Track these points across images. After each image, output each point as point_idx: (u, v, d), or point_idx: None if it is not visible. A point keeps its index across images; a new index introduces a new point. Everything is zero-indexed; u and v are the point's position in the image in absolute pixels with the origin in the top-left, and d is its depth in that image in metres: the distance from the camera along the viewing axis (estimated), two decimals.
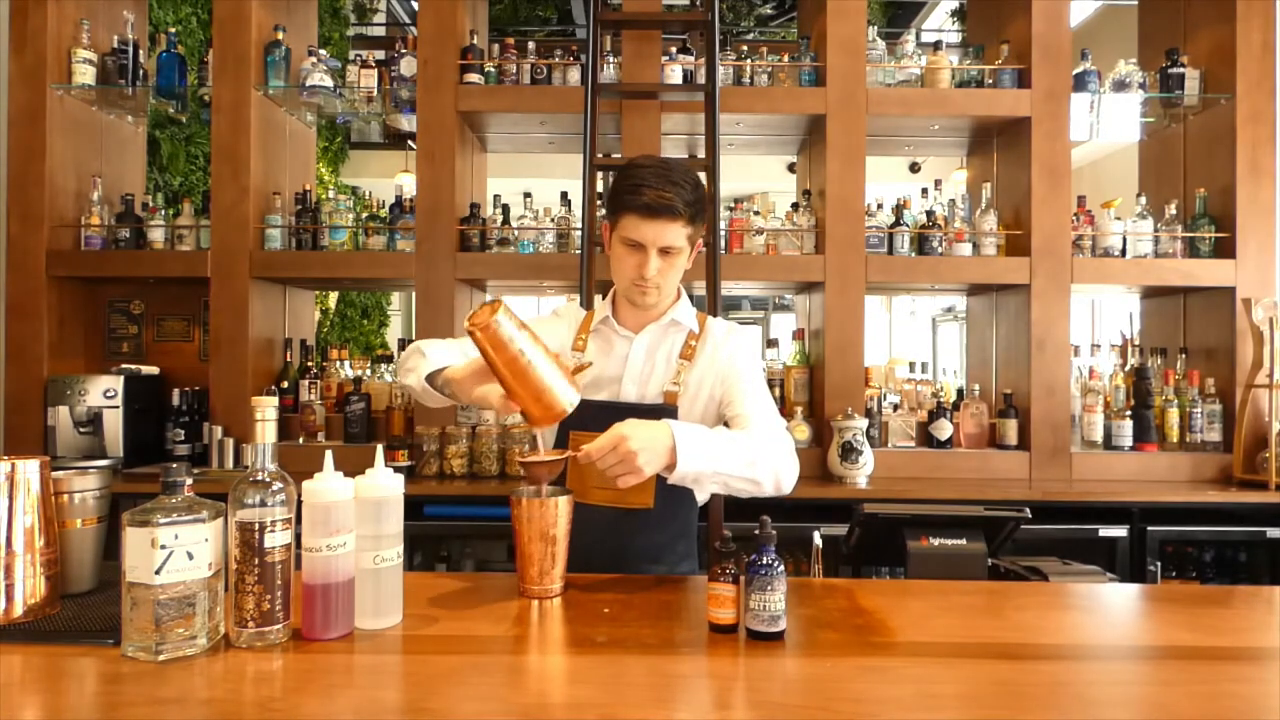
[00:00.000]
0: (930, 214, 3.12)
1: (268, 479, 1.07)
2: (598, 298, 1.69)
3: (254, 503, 1.06)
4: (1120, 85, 3.12)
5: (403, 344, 3.38)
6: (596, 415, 1.49)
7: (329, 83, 3.08)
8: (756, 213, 3.17)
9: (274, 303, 3.23)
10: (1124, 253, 3.09)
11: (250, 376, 3.00)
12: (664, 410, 1.52)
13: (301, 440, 3.04)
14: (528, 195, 3.29)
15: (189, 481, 1.08)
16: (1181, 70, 3.10)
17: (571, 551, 1.34)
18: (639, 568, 1.53)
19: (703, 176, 2.89)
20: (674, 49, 3.21)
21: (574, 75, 3.09)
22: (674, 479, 1.31)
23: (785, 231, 3.12)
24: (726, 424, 1.54)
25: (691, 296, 3.48)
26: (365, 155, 7.69)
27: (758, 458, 1.37)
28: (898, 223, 3.11)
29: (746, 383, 1.54)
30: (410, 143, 6.22)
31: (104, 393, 2.90)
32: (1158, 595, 1.50)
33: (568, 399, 1.30)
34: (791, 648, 1.09)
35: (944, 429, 3.02)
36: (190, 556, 1.03)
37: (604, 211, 1.60)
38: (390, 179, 6.65)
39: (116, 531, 1.07)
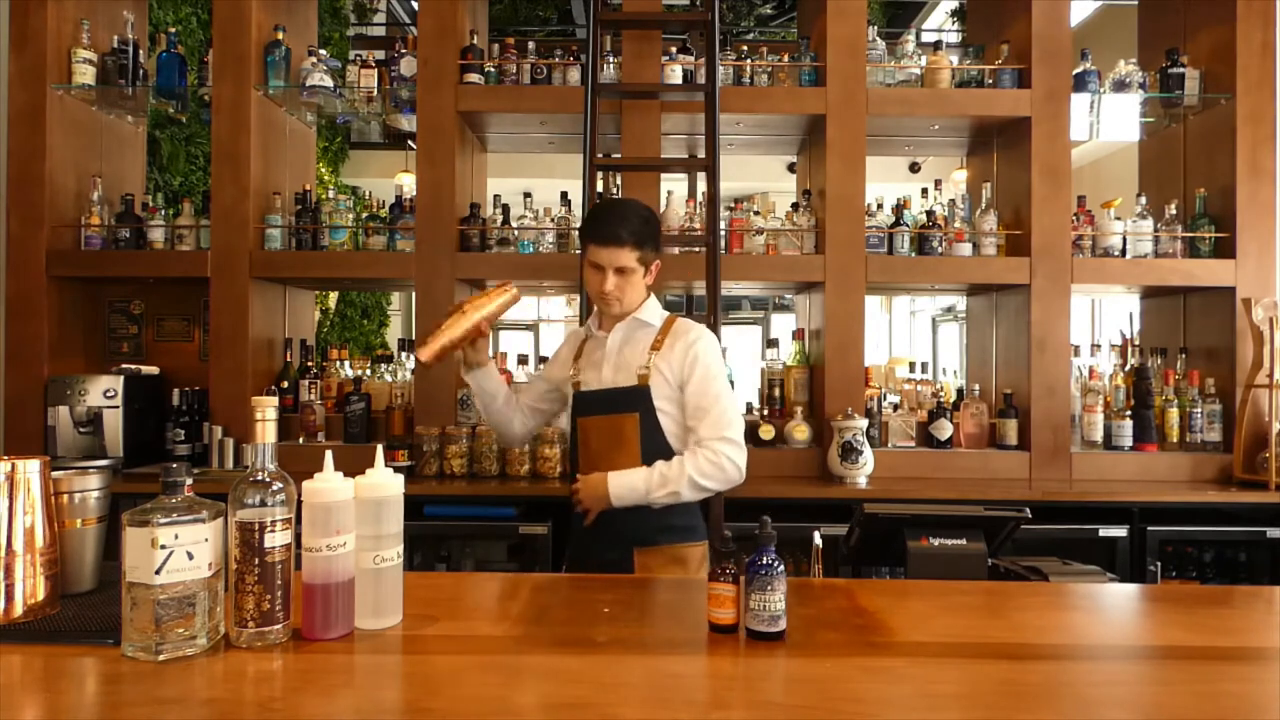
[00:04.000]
0: (930, 214, 3.12)
1: (268, 479, 1.07)
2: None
3: (254, 503, 1.06)
4: (1120, 85, 3.12)
5: (403, 344, 3.37)
6: (590, 401, 1.91)
7: (329, 83, 3.08)
8: (756, 213, 3.17)
9: (274, 303, 3.23)
10: (1124, 253, 3.09)
11: (250, 376, 3.00)
12: (637, 392, 1.86)
13: (301, 440, 3.04)
14: (528, 195, 3.29)
15: (189, 481, 1.08)
16: (1181, 70, 3.09)
17: (593, 549, 1.84)
18: (654, 539, 1.85)
19: (702, 177, 2.89)
20: (674, 49, 3.21)
21: (574, 75, 3.09)
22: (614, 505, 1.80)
23: (785, 231, 3.12)
24: (687, 412, 1.87)
25: (691, 297, 3.52)
26: (365, 155, 7.69)
27: (680, 486, 1.77)
28: (898, 223, 3.11)
29: (703, 381, 1.84)
30: (410, 143, 6.22)
31: (104, 393, 2.90)
32: (1158, 595, 1.50)
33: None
34: (791, 648, 1.09)
35: (944, 429, 3.02)
36: (190, 556, 1.03)
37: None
38: (390, 179, 6.65)
39: (116, 531, 1.07)
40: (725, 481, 1.80)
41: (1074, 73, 3.08)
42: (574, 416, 1.94)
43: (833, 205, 2.99)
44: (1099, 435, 3.04)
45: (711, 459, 1.78)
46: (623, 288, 1.87)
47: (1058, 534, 2.64)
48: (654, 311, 1.95)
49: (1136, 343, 3.44)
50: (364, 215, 3.14)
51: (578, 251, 2.94)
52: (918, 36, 4.05)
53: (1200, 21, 3.21)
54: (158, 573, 1.01)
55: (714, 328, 2.44)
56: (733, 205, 3.23)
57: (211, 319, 3.01)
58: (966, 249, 3.06)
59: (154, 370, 3.16)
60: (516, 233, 3.12)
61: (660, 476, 1.79)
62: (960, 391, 3.32)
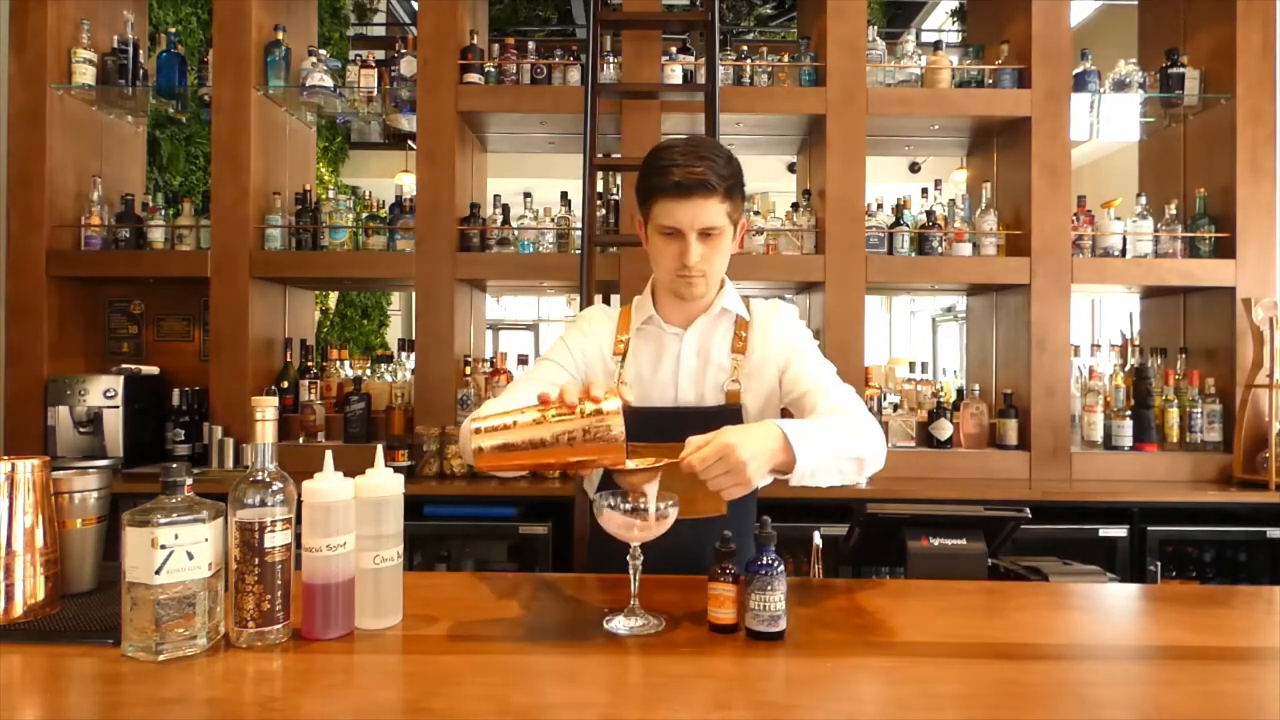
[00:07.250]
0: (930, 214, 3.12)
1: (268, 479, 1.07)
2: (636, 295, 1.55)
3: (254, 503, 1.06)
4: (1120, 85, 3.12)
5: (403, 344, 3.37)
6: (656, 423, 1.35)
7: (329, 83, 3.08)
8: (756, 213, 3.17)
9: (274, 303, 3.23)
10: (1124, 253, 3.09)
11: (250, 376, 3.00)
12: (727, 412, 1.43)
13: (301, 440, 3.04)
14: (528, 195, 3.29)
15: (189, 481, 1.08)
16: (1181, 70, 3.09)
17: (647, 565, 1.19)
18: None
19: None
20: (674, 49, 3.21)
21: (574, 75, 3.09)
22: (795, 480, 1.21)
23: (785, 231, 3.12)
24: (794, 404, 1.44)
25: None
26: (365, 155, 7.69)
27: (860, 432, 1.28)
28: (898, 223, 3.11)
29: (807, 359, 1.45)
30: (410, 143, 6.22)
31: (104, 393, 2.90)
32: (1158, 595, 1.50)
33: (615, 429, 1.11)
34: (791, 648, 1.09)
35: (944, 429, 3.02)
36: (190, 556, 1.03)
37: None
38: (390, 179, 6.66)
39: (116, 531, 1.07)
40: (882, 456, 1.34)
41: (1074, 73, 3.08)
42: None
43: (833, 205, 2.99)
44: (1099, 435, 3.04)
45: (879, 434, 1.32)
46: (710, 259, 1.37)
47: (1058, 534, 2.64)
48: (735, 298, 1.48)
49: (1136, 343, 3.44)
50: (364, 215, 3.14)
51: (577, 251, 2.95)
52: (918, 36, 4.06)
53: (1200, 21, 3.21)
54: (158, 573, 1.01)
55: None
56: None
57: (211, 319, 3.00)
58: (966, 249, 3.06)
59: (154, 370, 3.16)
60: (516, 233, 3.12)
61: (853, 437, 1.27)
62: (960, 391, 3.32)
